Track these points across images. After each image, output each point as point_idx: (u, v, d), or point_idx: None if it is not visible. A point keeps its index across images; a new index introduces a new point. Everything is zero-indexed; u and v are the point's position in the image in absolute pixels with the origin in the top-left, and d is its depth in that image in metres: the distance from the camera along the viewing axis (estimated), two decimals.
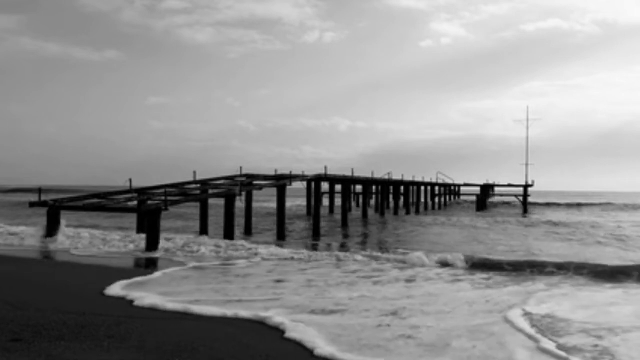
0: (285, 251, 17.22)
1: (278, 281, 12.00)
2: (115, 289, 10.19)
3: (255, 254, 16.75)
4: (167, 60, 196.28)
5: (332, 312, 8.84)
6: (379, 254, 16.75)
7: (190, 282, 11.63)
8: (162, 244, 17.85)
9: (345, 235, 25.75)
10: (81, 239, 19.39)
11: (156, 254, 16.59)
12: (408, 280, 12.45)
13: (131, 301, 9.21)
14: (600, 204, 69.35)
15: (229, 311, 8.46)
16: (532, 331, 7.71)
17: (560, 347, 7.00)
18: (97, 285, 10.62)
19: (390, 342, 7.06)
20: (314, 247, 20.10)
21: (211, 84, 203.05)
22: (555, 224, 34.28)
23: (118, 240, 19.28)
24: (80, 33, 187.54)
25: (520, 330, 7.80)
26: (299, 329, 7.39)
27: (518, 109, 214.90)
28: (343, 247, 20.61)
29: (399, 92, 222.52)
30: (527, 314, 8.77)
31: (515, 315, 8.59)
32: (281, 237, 23.04)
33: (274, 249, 17.61)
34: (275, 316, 8.11)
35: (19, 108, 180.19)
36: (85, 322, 7.66)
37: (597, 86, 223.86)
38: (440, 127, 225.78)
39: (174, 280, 11.89)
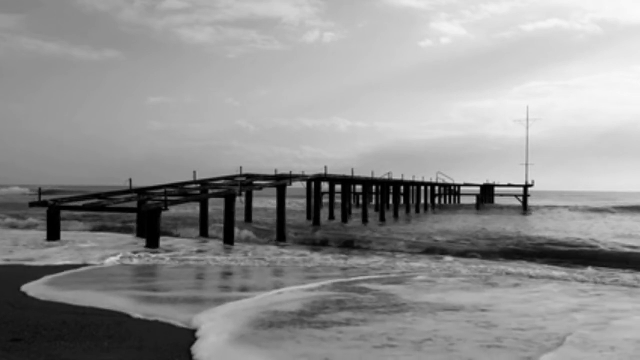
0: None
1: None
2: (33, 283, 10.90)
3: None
4: (167, 60, 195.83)
5: None
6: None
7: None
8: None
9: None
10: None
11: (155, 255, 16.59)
12: None
13: (25, 292, 10.06)
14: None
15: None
16: None
17: None
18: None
19: None
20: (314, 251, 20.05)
21: (211, 84, 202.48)
22: None
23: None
24: (79, 33, 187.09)
25: None
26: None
27: (518, 109, 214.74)
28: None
29: (399, 92, 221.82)
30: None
31: None
32: (281, 238, 22.88)
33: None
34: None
35: (18, 108, 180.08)
36: (85, 322, 7.69)
37: (598, 86, 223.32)
38: (440, 127, 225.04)
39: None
